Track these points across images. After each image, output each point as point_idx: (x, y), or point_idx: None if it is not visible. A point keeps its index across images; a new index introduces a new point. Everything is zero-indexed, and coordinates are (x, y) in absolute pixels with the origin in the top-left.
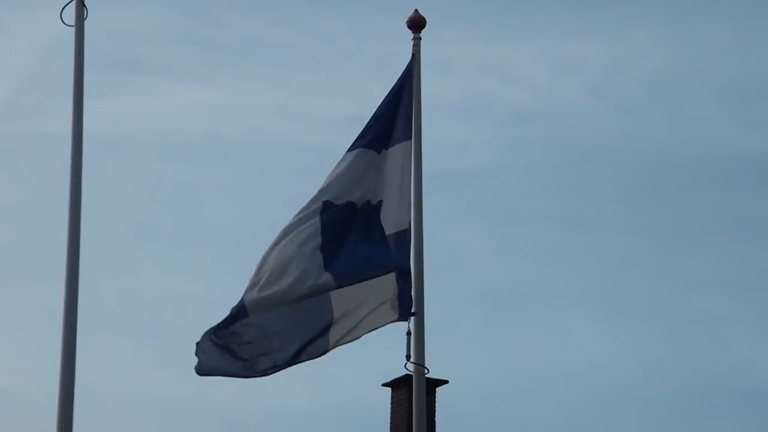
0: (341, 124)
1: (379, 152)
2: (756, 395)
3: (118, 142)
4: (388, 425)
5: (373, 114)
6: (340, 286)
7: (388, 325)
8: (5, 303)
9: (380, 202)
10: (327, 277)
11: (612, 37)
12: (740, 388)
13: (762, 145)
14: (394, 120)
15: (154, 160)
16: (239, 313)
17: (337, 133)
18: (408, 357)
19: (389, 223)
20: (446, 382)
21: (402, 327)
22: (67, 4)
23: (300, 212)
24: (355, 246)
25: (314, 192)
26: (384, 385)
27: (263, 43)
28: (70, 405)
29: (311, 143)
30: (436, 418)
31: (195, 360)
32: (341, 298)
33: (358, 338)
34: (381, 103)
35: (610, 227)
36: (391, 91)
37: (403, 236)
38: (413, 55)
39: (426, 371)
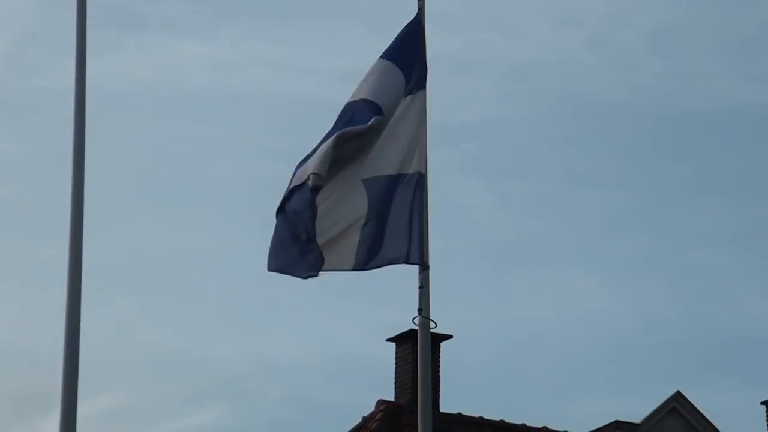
0: (340, 79)
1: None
2: (755, 346)
3: (119, 97)
4: (393, 380)
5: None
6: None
7: (393, 280)
8: (9, 258)
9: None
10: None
11: None
12: (740, 340)
13: (762, 98)
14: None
15: (156, 115)
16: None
17: (336, 88)
18: (420, 311)
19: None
20: (450, 336)
21: (407, 281)
22: None
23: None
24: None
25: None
26: (388, 340)
27: None
28: (75, 360)
29: (310, 98)
30: (440, 373)
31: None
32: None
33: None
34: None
35: (610, 181)
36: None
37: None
38: (420, 9)
39: (434, 325)
